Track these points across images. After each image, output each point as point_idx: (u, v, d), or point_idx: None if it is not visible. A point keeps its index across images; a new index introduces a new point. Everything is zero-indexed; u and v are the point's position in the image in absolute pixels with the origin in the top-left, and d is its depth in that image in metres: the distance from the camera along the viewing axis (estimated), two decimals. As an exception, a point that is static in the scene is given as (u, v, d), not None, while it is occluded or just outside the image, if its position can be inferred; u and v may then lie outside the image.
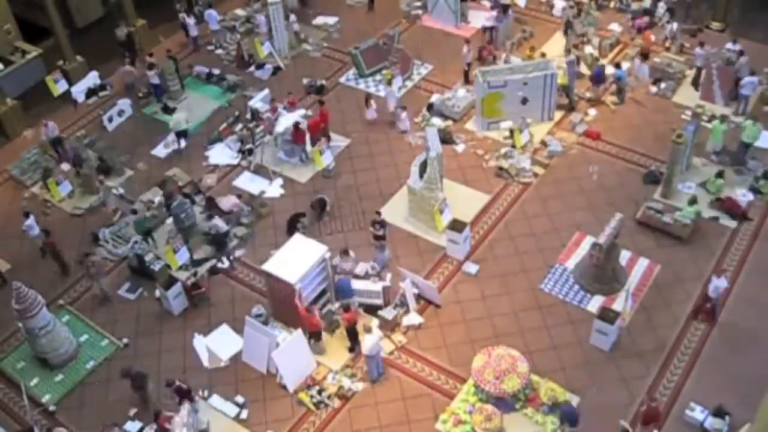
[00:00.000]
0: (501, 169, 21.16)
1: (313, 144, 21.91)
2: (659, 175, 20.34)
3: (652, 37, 24.80)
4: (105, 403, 16.88)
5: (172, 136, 23.03)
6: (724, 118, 21.09)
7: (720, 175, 19.96)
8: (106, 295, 18.93)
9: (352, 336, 17.11)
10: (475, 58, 24.64)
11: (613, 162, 21.48)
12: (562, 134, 22.33)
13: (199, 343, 17.70)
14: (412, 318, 17.79)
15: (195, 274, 19.02)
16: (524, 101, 22.22)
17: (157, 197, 21.00)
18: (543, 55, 23.97)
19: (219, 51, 26.99)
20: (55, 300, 18.92)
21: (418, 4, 27.72)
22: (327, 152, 21.80)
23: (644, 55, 24.12)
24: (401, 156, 22.07)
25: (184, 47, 27.30)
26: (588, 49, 24.80)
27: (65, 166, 21.98)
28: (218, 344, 17.53)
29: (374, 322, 17.21)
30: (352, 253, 18.56)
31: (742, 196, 19.64)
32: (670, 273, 18.40)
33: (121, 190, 21.75)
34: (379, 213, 19.19)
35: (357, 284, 17.98)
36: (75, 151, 22.15)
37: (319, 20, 28.10)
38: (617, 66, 23.58)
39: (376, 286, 17.85)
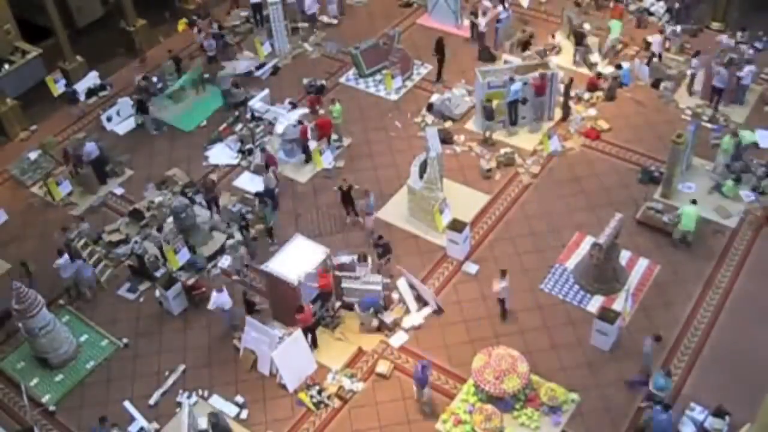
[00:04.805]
0: (489, 170, 21.27)
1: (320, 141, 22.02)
2: (658, 175, 20.34)
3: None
4: (105, 403, 16.88)
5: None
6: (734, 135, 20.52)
7: (737, 180, 19.86)
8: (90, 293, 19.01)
9: (308, 334, 17.13)
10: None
11: (613, 162, 21.49)
12: (562, 133, 22.38)
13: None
14: (413, 318, 17.83)
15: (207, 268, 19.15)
16: (524, 101, 22.23)
17: (158, 197, 21.01)
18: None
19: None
20: (55, 300, 18.92)
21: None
22: (327, 152, 21.81)
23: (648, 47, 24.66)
24: (401, 156, 22.08)
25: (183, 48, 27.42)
26: (594, 57, 24.77)
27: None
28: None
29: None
30: (369, 260, 18.43)
31: (746, 197, 19.73)
32: (670, 273, 18.41)
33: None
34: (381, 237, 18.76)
35: (356, 285, 17.94)
36: (75, 152, 22.14)
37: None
38: (618, 66, 23.63)
39: (377, 287, 17.83)
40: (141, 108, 23.87)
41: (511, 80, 21.71)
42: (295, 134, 22.03)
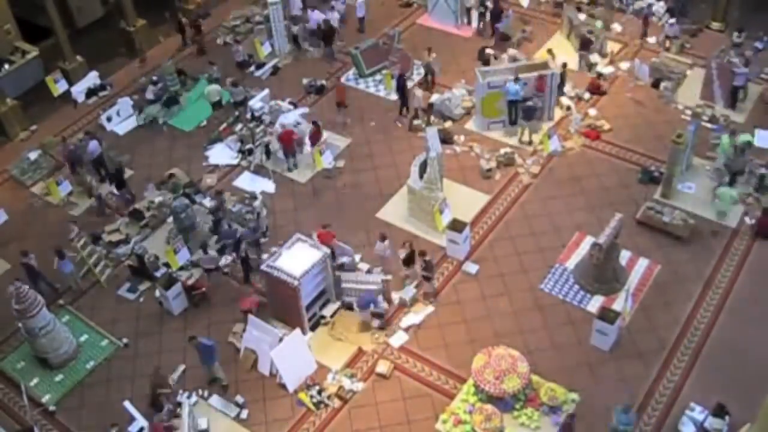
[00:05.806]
0: (489, 170, 21.30)
1: (287, 156, 21.88)
2: (658, 175, 20.34)
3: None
4: (105, 403, 16.88)
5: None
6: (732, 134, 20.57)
7: (732, 182, 19.84)
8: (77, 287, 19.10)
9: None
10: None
11: (613, 162, 21.49)
12: (562, 133, 22.38)
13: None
14: (413, 318, 17.85)
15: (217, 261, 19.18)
16: (524, 101, 22.22)
17: (157, 198, 21.00)
18: (550, 51, 24.01)
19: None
20: (55, 300, 18.89)
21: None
22: (327, 152, 21.80)
23: None
24: (401, 156, 22.07)
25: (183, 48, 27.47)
26: (594, 58, 24.75)
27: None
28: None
29: None
30: (386, 242, 18.37)
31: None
32: (670, 273, 18.40)
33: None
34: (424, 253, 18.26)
35: (354, 278, 18.00)
36: (74, 152, 22.12)
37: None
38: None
39: (376, 284, 17.83)
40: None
41: (516, 80, 21.73)
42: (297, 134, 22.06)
